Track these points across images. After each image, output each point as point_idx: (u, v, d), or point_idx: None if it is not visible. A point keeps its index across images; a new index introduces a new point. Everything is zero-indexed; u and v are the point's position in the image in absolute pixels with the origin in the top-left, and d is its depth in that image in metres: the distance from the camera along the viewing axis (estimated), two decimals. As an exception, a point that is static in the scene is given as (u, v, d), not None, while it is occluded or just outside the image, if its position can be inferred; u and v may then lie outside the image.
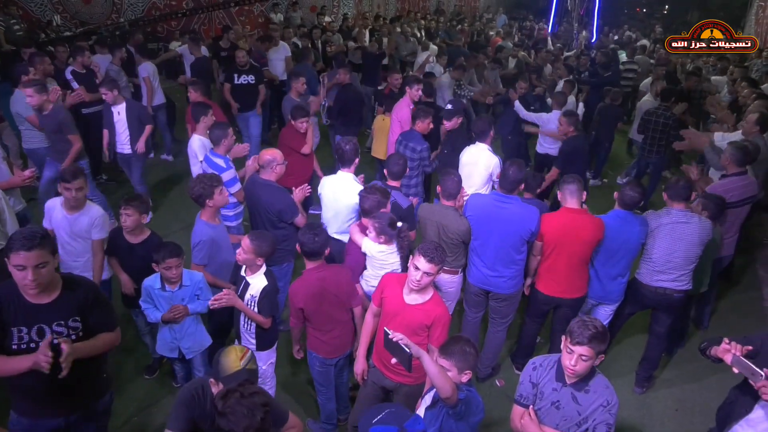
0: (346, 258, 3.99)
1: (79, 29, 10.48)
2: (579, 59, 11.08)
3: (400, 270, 3.73)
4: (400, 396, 3.31)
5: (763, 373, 2.46)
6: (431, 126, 5.57)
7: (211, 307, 3.50)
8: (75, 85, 6.55)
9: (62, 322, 2.58)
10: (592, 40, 16.08)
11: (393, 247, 3.70)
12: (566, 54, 12.70)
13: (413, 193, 5.23)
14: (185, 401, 2.51)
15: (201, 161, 5.13)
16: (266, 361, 3.69)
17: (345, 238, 4.43)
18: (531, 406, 2.71)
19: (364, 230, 3.80)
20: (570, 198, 4.02)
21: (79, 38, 9.03)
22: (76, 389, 2.71)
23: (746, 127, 5.67)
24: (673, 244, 4.00)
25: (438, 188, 4.17)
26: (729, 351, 2.61)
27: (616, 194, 4.15)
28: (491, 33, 15.37)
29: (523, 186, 4.08)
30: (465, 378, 2.60)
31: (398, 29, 13.21)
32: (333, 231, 4.37)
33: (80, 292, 2.65)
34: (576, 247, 3.96)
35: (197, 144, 5.17)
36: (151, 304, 3.67)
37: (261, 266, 3.46)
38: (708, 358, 2.79)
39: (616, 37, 16.72)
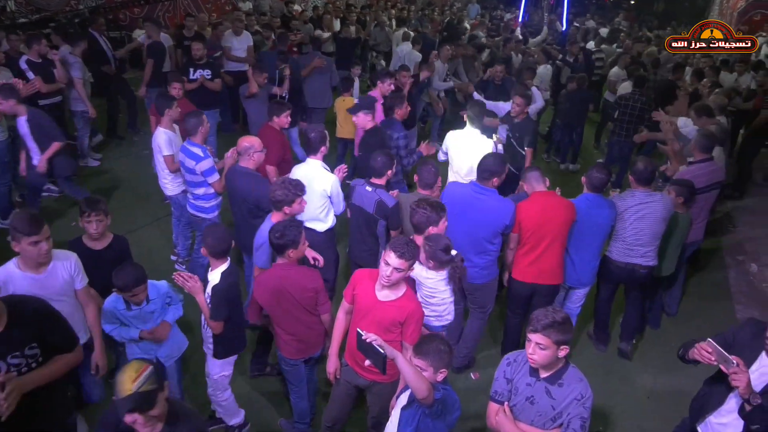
0: None
1: (35, 16, 10.03)
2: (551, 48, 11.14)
3: (450, 301, 3.55)
4: (373, 394, 3.25)
5: (735, 361, 2.48)
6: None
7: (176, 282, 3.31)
8: (30, 75, 6.24)
9: (17, 353, 2.38)
10: (563, 30, 16.16)
11: (443, 275, 3.38)
12: (532, 40, 12.72)
13: (393, 181, 5.11)
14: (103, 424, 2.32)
15: (168, 155, 4.99)
16: (218, 372, 3.52)
17: (317, 227, 4.39)
18: (506, 403, 2.68)
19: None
20: (536, 184, 4.13)
21: (36, 25, 8.61)
22: (33, 416, 2.50)
23: (696, 123, 5.76)
24: (640, 223, 4.25)
25: (415, 178, 4.15)
26: (704, 348, 2.62)
27: (583, 179, 4.27)
28: (466, 25, 15.31)
29: (496, 180, 4.04)
30: (440, 377, 2.56)
31: (368, 17, 13.08)
32: (305, 219, 4.26)
33: (31, 315, 2.43)
34: (555, 229, 4.02)
35: (162, 138, 5.00)
36: (117, 323, 3.35)
37: (221, 262, 3.30)
38: (687, 363, 2.80)
39: (576, 25, 16.88)
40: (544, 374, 2.58)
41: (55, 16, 10.08)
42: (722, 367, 2.55)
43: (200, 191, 4.74)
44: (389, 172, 4.20)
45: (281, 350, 3.47)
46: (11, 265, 3.00)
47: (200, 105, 6.92)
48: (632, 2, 25.95)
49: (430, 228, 3.46)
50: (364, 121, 5.16)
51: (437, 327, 3.52)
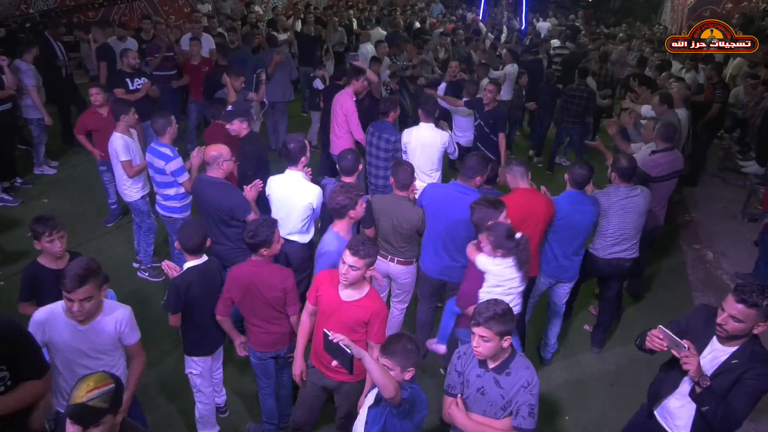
0: (463, 283, 3.64)
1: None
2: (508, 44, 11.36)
3: (519, 292, 3.42)
4: (341, 395, 3.26)
5: (685, 345, 2.56)
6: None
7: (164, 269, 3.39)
8: (-23, 82, 6.02)
9: None
10: (522, 28, 16.45)
11: (510, 262, 3.29)
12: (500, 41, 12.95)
13: (383, 184, 5.30)
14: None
15: (125, 160, 4.91)
16: (186, 368, 3.56)
17: (300, 239, 4.26)
18: (459, 395, 2.73)
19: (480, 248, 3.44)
20: (521, 179, 4.16)
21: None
22: None
23: (656, 110, 6.02)
24: (625, 217, 4.34)
25: (391, 179, 4.16)
26: (656, 335, 2.69)
27: (566, 176, 4.31)
28: (426, 22, 15.45)
29: (479, 179, 4.09)
30: (408, 375, 2.57)
31: (328, 19, 13.05)
32: (286, 232, 4.19)
33: (5, 336, 2.32)
34: (536, 225, 4.07)
35: (119, 143, 4.92)
36: None
37: (192, 258, 3.39)
38: (645, 352, 2.88)
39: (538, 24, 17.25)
40: (491, 365, 2.64)
41: (4, 21, 9.74)
42: (674, 352, 2.62)
43: (171, 191, 4.71)
44: (360, 167, 4.23)
45: (250, 342, 3.50)
46: (58, 308, 2.74)
47: (143, 115, 6.12)
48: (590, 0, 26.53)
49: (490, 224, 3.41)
50: (239, 128, 4.94)
51: None
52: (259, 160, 4.95)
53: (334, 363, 2.85)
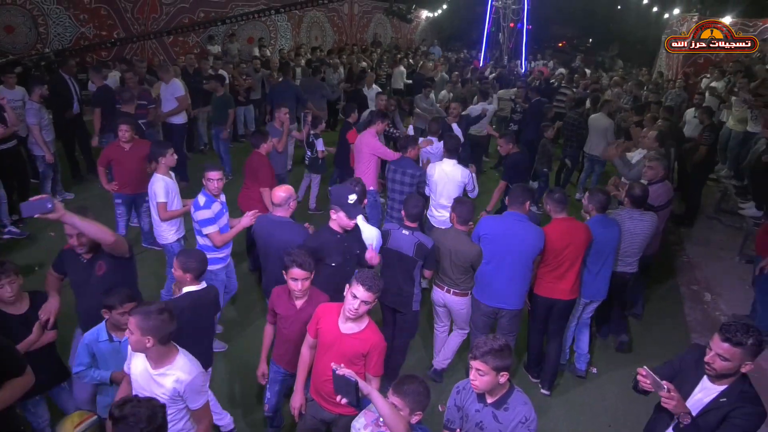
0: None
1: (1, 60, 10.00)
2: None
3: None
4: (338, 428, 3.27)
5: (665, 386, 2.60)
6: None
7: None
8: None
9: None
10: (522, 72, 16.91)
11: None
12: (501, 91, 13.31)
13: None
14: None
15: (161, 202, 4.90)
16: None
17: None
18: (458, 430, 2.76)
19: None
20: (560, 209, 4.47)
21: (1, 69, 8.57)
22: None
23: (647, 143, 6.50)
24: (632, 237, 4.86)
25: (452, 215, 4.38)
26: (644, 377, 2.73)
27: (589, 205, 4.68)
28: (429, 64, 15.86)
29: (528, 204, 4.38)
30: (415, 419, 2.59)
31: (337, 60, 13.43)
32: None
33: None
34: (575, 251, 4.37)
35: (159, 184, 4.94)
36: (87, 363, 3.15)
37: (190, 282, 3.49)
38: (639, 393, 2.92)
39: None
40: (490, 399, 2.68)
41: (21, 60, 10.08)
42: (660, 393, 2.66)
43: (203, 241, 4.55)
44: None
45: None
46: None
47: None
48: (588, 46, 27.22)
49: None
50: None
51: None
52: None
53: (344, 401, 2.71)
